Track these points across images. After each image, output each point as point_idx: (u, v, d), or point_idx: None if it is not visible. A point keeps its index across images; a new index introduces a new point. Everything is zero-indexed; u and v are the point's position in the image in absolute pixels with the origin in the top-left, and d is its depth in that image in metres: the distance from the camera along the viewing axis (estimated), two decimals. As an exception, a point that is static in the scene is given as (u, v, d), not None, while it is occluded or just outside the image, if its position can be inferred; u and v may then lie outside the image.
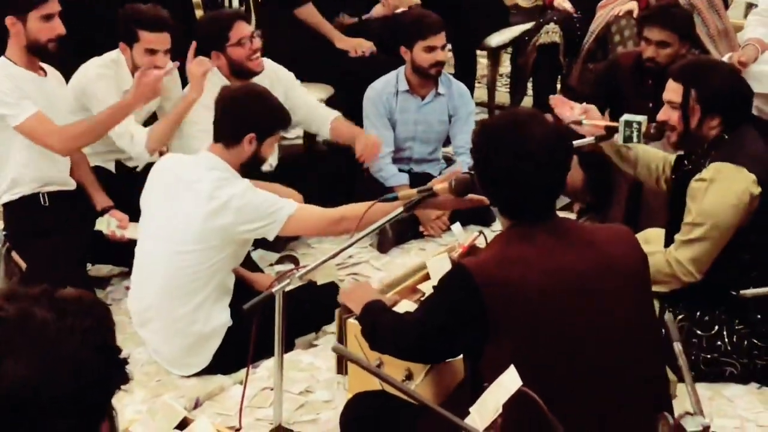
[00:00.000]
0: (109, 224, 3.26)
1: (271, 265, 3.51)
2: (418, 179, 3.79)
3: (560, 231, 1.94)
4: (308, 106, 3.80)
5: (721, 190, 2.58)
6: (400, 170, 3.91)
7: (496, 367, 1.79)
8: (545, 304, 1.85)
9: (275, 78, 3.69)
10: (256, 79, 3.48)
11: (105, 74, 3.42)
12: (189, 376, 2.85)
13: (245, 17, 3.69)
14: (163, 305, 2.80)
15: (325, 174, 3.85)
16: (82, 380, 1.11)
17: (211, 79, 3.44)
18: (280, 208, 2.76)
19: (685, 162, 2.82)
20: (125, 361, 1.19)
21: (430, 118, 3.93)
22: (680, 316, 2.67)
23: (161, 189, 2.87)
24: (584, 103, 3.07)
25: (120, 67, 3.45)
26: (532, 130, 1.92)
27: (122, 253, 3.17)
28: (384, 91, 3.87)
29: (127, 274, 3.14)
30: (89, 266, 3.42)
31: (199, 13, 4.64)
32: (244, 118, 2.83)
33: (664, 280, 2.66)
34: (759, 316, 2.64)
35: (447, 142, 4.15)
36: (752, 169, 2.58)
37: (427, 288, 2.51)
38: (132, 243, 3.00)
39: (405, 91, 3.88)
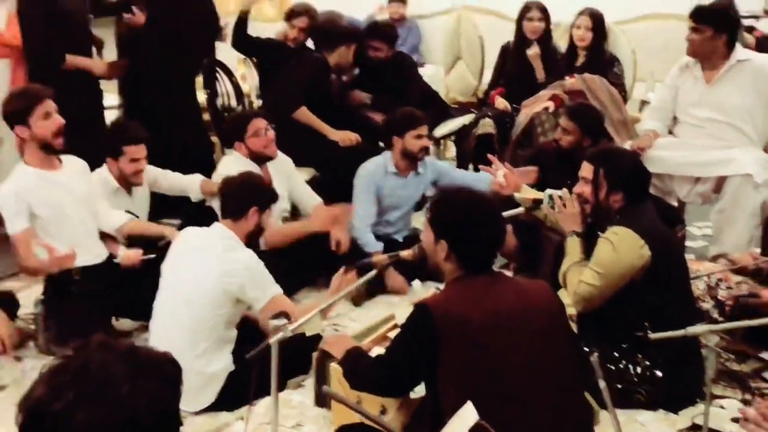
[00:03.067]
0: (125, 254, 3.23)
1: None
2: (390, 244, 3.82)
3: (496, 281, 2.04)
4: (302, 193, 3.91)
5: (616, 248, 2.61)
6: (382, 232, 3.92)
7: (448, 393, 1.86)
8: (484, 335, 1.90)
9: (280, 164, 3.77)
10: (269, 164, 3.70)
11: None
12: (198, 413, 2.77)
13: (262, 115, 3.78)
14: (175, 349, 2.70)
15: (314, 237, 3.74)
16: None
17: (236, 160, 3.63)
18: (272, 283, 2.76)
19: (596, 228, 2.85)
20: (179, 424, 1.12)
21: (410, 193, 3.95)
22: (596, 353, 2.64)
23: (179, 255, 2.87)
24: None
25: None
26: (482, 201, 2.07)
27: (143, 309, 3.04)
28: (375, 172, 3.86)
29: (146, 328, 3.04)
30: (114, 321, 3.34)
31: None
32: (247, 195, 2.87)
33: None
34: (656, 351, 2.64)
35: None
36: (643, 236, 2.61)
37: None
38: (150, 301, 2.92)
39: (392, 173, 3.89)
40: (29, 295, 3.46)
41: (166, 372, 1.12)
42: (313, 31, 4.70)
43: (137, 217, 3.52)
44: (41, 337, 3.17)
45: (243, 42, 4.65)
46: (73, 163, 3.31)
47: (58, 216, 3.18)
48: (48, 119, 3.11)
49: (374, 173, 3.85)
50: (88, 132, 3.44)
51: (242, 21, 4.55)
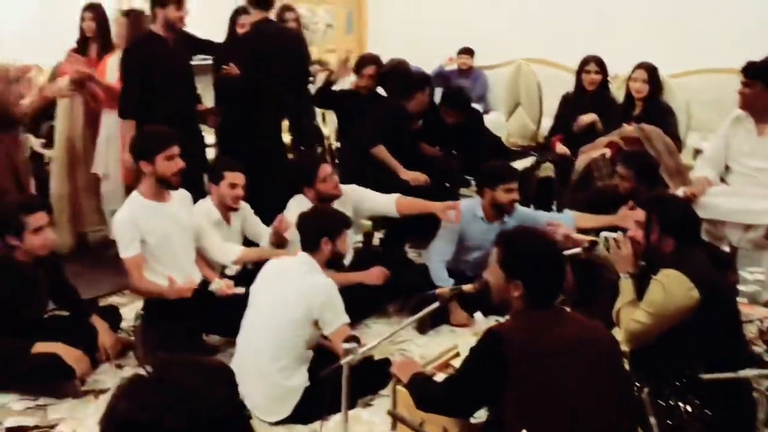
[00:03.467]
0: (219, 285, 3.33)
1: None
2: (460, 278, 3.80)
3: (559, 315, 2.08)
4: (372, 200, 3.92)
5: (666, 289, 2.56)
6: (458, 268, 3.92)
7: (510, 417, 1.88)
8: (547, 364, 1.92)
9: (344, 197, 3.82)
10: None
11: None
12: (276, 424, 2.82)
13: (326, 160, 3.89)
14: (259, 363, 2.82)
15: (380, 266, 3.79)
16: None
17: (300, 205, 3.62)
18: (344, 312, 2.81)
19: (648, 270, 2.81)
20: (248, 415, 1.19)
21: (493, 239, 3.88)
22: (646, 390, 2.60)
23: (265, 280, 2.97)
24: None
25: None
26: (548, 242, 2.18)
27: (231, 327, 3.15)
28: (463, 214, 3.84)
29: (232, 343, 3.14)
30: (204, 336, 3.45)
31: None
32: (315, 227, 2.96)
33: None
34: (707, 391, 2.53)
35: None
36: (692, 279, 2.54)
37: (457, 363, 2.50)
38: (237, 319, 3.02)
39: (480, 218, 3.91)
40: (131, 309, 3.64)
41: (226, 376, 1.19)
42: (388, 83, 4.82)
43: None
44: (140, 348, 3.31)
45: (322, 102, 4.95)
46: (177, 194, 3.46)
47: (165, 243, 3.33)
48: (171, 161, 3.27)
49: (462, 215, 3.84)
50: (191, 167, 3.57)
51: (328, 85, 4.72)
